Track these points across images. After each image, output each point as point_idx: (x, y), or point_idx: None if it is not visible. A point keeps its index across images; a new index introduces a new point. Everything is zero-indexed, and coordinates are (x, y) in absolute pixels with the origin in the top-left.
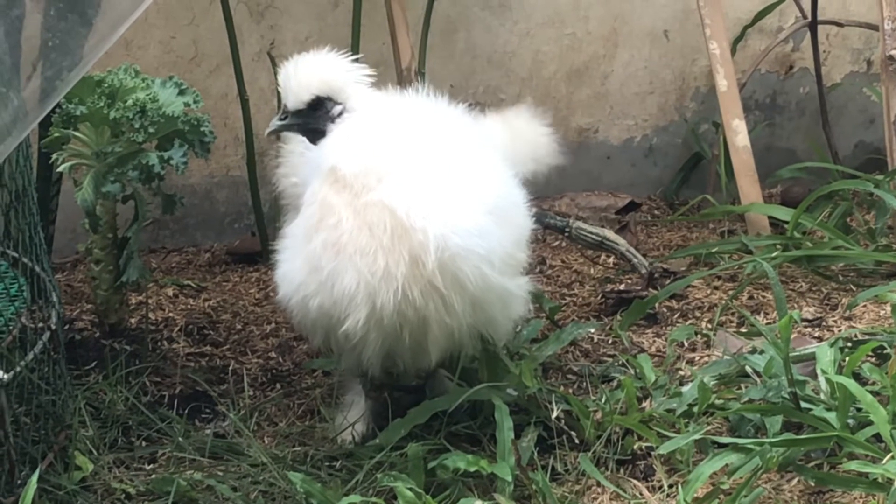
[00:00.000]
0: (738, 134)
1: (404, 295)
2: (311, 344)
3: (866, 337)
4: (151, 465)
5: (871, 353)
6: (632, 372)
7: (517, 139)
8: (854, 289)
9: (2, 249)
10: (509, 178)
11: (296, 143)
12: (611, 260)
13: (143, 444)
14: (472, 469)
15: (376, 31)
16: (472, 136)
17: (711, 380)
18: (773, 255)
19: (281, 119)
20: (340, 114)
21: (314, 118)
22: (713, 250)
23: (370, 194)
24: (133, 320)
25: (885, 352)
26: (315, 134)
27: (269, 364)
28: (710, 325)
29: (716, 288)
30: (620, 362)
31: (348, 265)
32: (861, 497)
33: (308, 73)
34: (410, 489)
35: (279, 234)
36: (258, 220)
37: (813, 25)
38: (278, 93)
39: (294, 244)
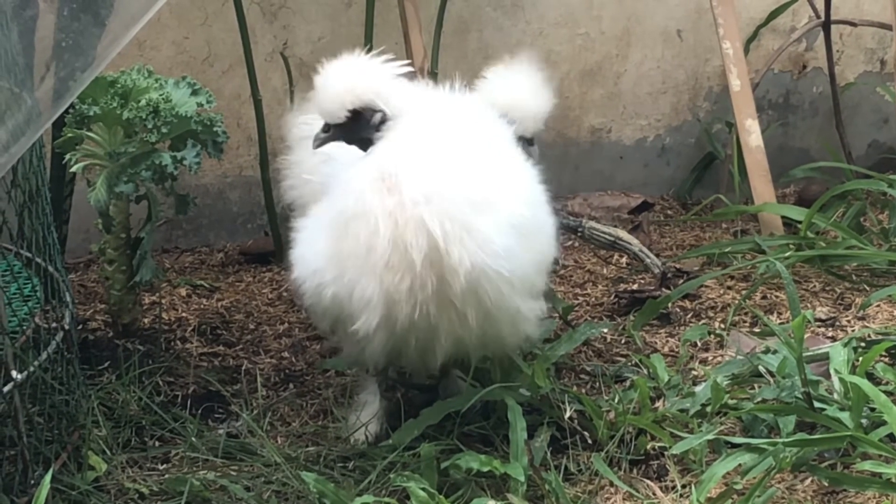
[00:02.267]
0: (752, 134)
1: (422, 310)
2: (318, 327)
3: (880, 337)
4: (165, 465)
5: (884, 353)
6: (645, 372)
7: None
8: (867, 288)
9: (15, 249)
10: (541, 200)
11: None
12: (624, 260)
13: (157, 443)
14: (485, 469)
15: (389, 31)
16: (507, 146)
17: (724, 380)
18: (787, 254)
19: (324, 132)
20: (383, 121)
21: (357, 129)
22: (726, 250)
23: (415, 209)
24: (146, 320)
25: None
26: (363, 142)
27: (282, 364)
28: (723, 325)
29: (729, 288)
30: (633, 362)
31: (373, 276)
32: (875, 497)
33: (340, 87)
34: (423, 489)
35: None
36: (271, 220)
37: (826, 25)
38: (291, 92)
39: (316, 226)
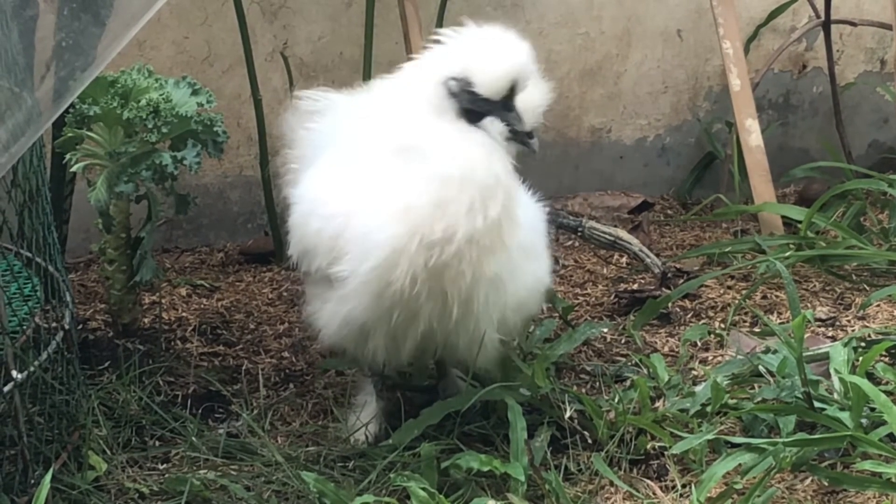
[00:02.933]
0: (752, 133)
1: (421, 286)
2: (292, 257)
3: (880, 336)
4: (165, 465)
5: (884, 353)
6: (645, 372)
7: None
8: (867, 288)
9: (15, 249)
10: (542, 226)
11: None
12: (624, 260)
13: (157, 443)
14: (485, 469)
15: (389, 31)
16: None
17: (725, 379)
18: (787, 254)
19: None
20: None
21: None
22: (726, 250)
23: (506, 196)
24: (146, 320)
25: None
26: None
27: (282, 364)
28: (723, 325)
29: (729, 287)
30: (633, 362)
31: (395, 253)
32: (875, 497)
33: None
34: (423, 489)
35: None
36: (271, 219)
37: (826, 25)
38: (291, 92)
39: (332, 166)
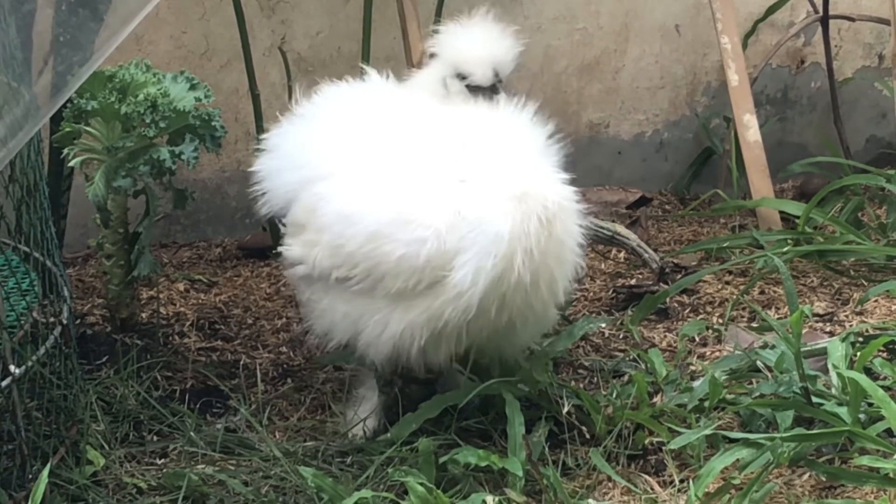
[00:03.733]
0: (750, 129)
1: (523, 278)
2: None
3: (878, 332)
4: (163, 460)
5: (882, 348)
6: (643, 367)
7: None
8: (865, 284)
9: (13, 244)
10: None
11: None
12: (622, 255)
13: (155, 438)
14: (483, 464)
15: (387, 26)
16: None
17: (722, 375)
18: (784, 249)
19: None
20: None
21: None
22: (724, 245)
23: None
24: (144, 315)
25: None
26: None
27: (280, 359)
28: (721, 320)
29: (727, 283)
30: (631, 357)
31: (514, 240)
32: (872, 492)
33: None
34: (421, 484)
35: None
36: None
37: (824, 20)
38: (289, 87)
39: (387, 184)
